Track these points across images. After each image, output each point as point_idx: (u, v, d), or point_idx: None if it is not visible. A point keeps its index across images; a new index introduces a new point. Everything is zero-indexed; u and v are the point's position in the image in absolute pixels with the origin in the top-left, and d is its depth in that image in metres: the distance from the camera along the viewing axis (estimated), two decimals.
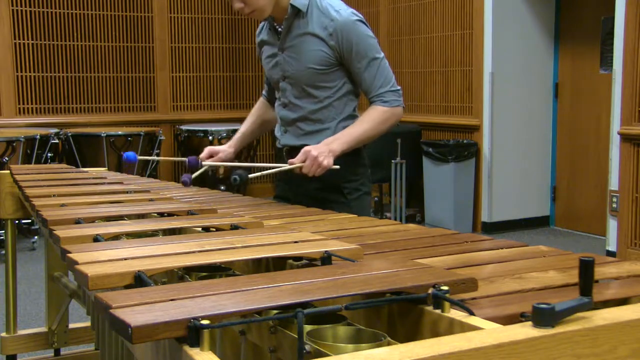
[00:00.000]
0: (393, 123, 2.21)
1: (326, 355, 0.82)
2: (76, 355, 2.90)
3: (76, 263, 1.13)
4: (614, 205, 4.74)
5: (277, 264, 1.27)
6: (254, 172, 2.11)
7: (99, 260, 1.14)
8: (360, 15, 2.21)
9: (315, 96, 2.23)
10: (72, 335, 2.83)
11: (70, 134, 5.72)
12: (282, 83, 2.29)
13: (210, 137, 6.23)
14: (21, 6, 6.20)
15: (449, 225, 5.54)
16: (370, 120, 2.17)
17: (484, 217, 5.82)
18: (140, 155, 5.80)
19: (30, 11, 6.25)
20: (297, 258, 1.24)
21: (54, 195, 2.00)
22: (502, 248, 1.41)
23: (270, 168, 2.18)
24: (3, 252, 4.39)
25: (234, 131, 6.38)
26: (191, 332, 0.80)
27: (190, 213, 1.71)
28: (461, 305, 0.89)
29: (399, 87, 2.22)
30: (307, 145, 2.12)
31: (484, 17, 5.69)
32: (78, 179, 2.46)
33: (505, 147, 5.81)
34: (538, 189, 5.99)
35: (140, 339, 0.79)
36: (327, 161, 2.06)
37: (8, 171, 2.62)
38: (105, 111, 6.68)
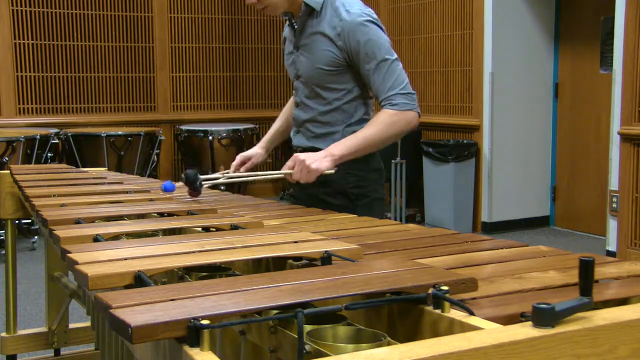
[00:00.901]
0: (403, 127, 2.06)
1: (326, 355, 0.82)
2: (76, 355, 2.90)
3: (76, 263, 1.13)
4: (614, 205, 4.74)
5: (277, 264, 1.27)
6: (252, 178, 2.09)
7: (99, 260, 1.14)
8: (373, 15, 2.09)
9: (324, 97, 2.16)
10: (72, 335, 2.83)
11: (70, 134, 5.72)
12: (296, 82, 2.25)
13: (210, 137, 6.21)
14: (21, 6, 6.20)
15: (449, 225, 5.54)
16: (376, 125, 2.06)
17: (484, 217, 5.82)
18: (140, 155, 5.80)
19: (30, 11, 6.25)
20: (297, 258, 1.24)
21: (54, 195, 2.00)
22: (502, 248, 1.41)
23: (263, 175, 2.16)
24: (3, 252, 4.39)
25: (234, 131, 6.41)
26: (191, 332, 0.80)
27: (190, 213, 1.71)
28: (461, 305, 0.89)
29: (412, 91, 2.07)
30: (316, 147, 2.09)
31: (484, 17, 5.68)
32: (78, 179, 2.46)
33: (505, 147, 5.81)
34: (538, 189, 5.99)
35: (140, 339, 0.79)
36: (317, 165, 1.97)
37: (8, 171, 2.62)
38: (105, 111, 6.68)
